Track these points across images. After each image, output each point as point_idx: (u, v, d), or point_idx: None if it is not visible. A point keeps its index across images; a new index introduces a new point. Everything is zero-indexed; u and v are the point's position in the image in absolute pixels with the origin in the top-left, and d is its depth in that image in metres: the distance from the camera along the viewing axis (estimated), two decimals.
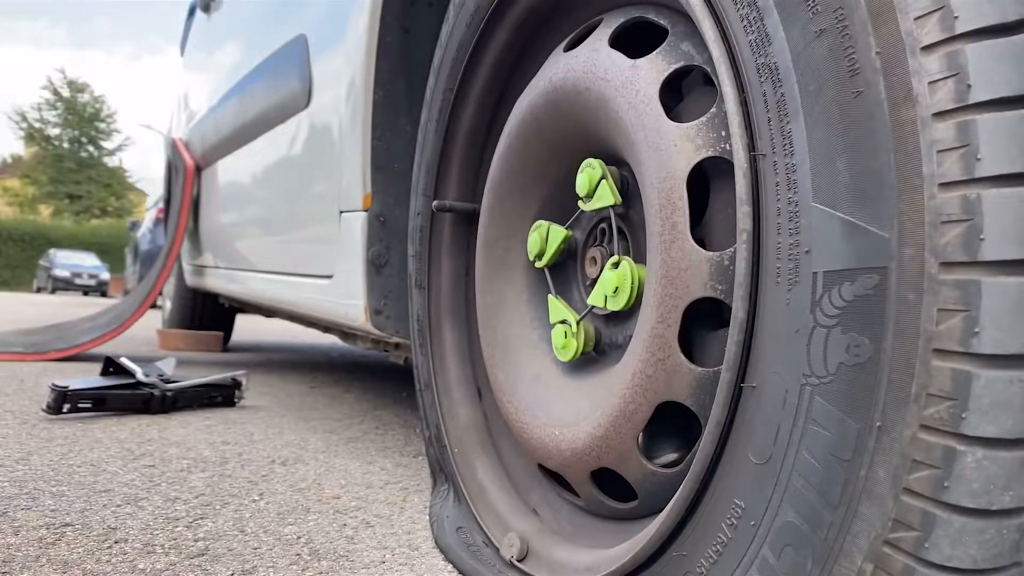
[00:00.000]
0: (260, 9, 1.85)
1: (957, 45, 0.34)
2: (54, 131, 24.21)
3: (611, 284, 0.60)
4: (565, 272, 0.76)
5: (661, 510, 0.51)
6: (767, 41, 0.43)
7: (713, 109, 0.53)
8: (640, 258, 0.63)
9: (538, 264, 0.74)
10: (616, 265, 0.61)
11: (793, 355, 0.41)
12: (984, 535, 0.34)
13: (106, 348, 2.57)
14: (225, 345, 3.33)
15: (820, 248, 0.39)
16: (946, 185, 0.34)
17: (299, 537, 0.79)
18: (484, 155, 0.86)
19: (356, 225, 1.13)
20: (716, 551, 0.45)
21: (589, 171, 0.65)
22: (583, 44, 0.66)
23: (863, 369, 0.37)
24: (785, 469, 0.41)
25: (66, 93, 24.26)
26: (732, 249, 0.50)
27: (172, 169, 2.86)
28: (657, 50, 0.57)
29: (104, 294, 18.48)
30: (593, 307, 0.65)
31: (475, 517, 0.76)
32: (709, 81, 0.55)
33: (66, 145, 24.38)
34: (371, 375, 2.57)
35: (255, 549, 0.75)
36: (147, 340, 3.46)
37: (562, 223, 0.73)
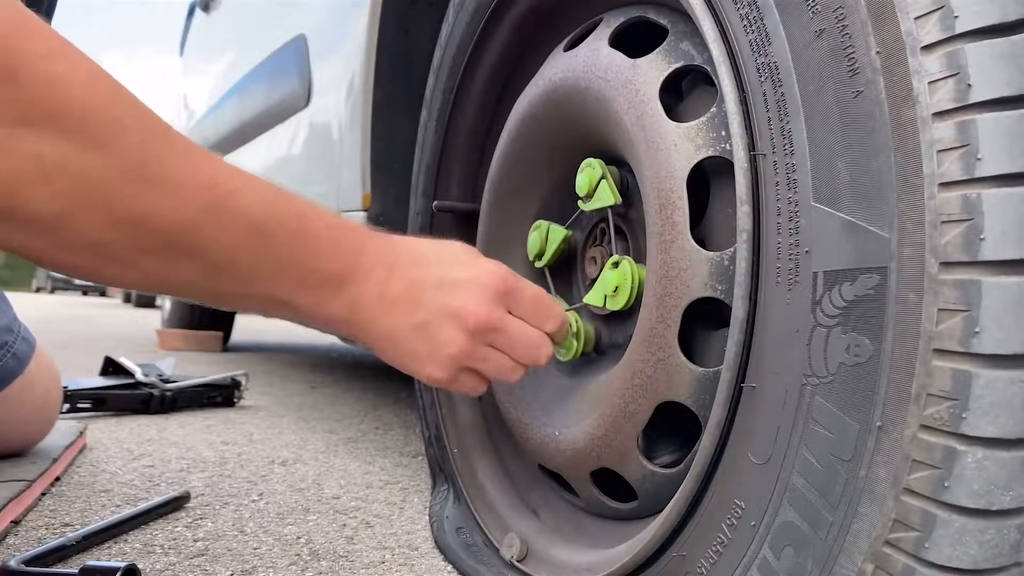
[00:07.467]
0: (260, 9, 1.85)
1: (957, 45, 0.34)
2: None
3: (611, 283, 0.60)
4: (565, 272, 0.76)
5: (661, 510, 0.51)
6: (767, 41, 0.43)
7: (713, 109, 0.53)
8: (640, 258, 0.63)
9: (538, 264, 0.74)
10: (616, 265, 0.61)
11: (793, 355, 0.41)
12: (984, 535, 0.34)
13: (105, 349, 2.57)
14: (225, 345, 3.32)
15: (820, 248, 0.39)
16: (946, 185, 0.34)
17: (299, 537, 0.79)
18: (484, 155, 0.86)
19: None
20: (716, 551, 0.45)
21: (589, 171, 0.65)
22: (583, 43, 0.66)
23: (863, 369, 0.37)
24: (785, 469, 0.41)
25: None
26: (732, 249, 0.50)
27: None
28: (657, 50, 0.57)
29: (103, 294, 18.47)
30: (586, 303, 0.65)
31: (475, 517, 0.76)
32: (709, 81, 0.55)
33: None
34: (371, 375, 2.57)
35: (255, 549, 0.75)
36: (147, 340, 3.47)
37: (562, 223, 0.73)
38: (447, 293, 0.51)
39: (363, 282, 0.50)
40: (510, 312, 0.54)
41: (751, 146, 0.44)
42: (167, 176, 0.41)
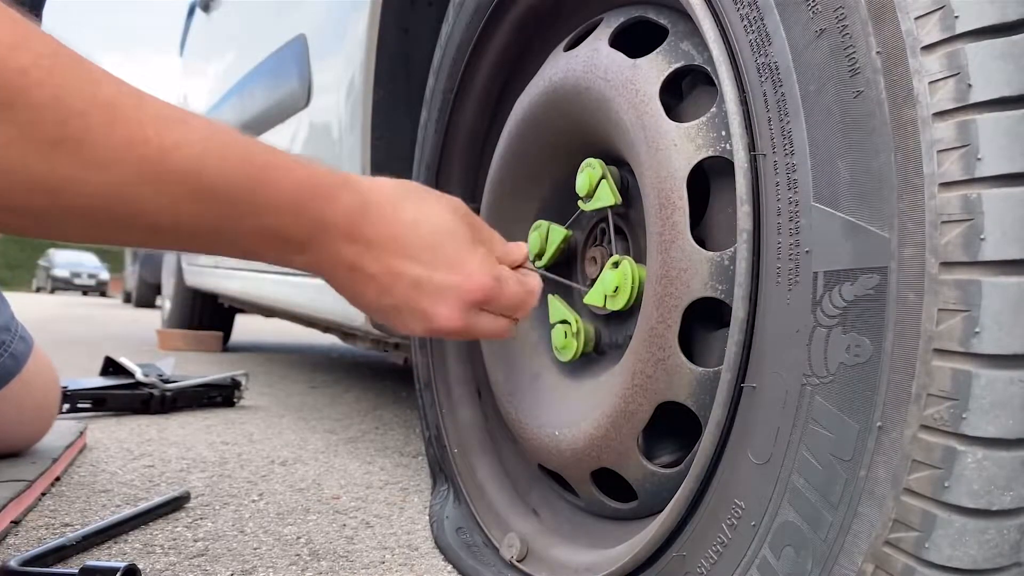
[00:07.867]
0: (260, 9, 1.85)
1: (957, 45, 0.34)
2: None
3: (611, 284, 0.60)
4: (565, 272, 0.76)
5: (661, 510, 0.51)
6: (767, 41, 0.43)
7: (713, 109, 0.53)
8: (640, 258, 0.63)
9: (538, 264, 0.74)
10: (616, 265, 0.61)
11: (793, 355, 0.40)
12: (984, 535, 0.34)
13: (105, 349, 2.57)
14: (225, 345, 3.32)
15: (820, 248, 0.39)
16: (946, 185, 0.34)
17: (299, 537, 0.79)
18: (484, 155, 0.86)
19: None
20: (716, 551, 0.45)
21: (589, 171, 0.65)
22: (583, 44, 0.66)
23: (863, 369, 0.37)
24: (785, 469, 0.41)
25: None
26: (732, 249, 0.50)
27: None
28: (657, 50, 0.57)
29: (104, 294, 18.48)
30: (586, 303, 0.65)
31: (475, 517, 0.76)
32: (709, 81, 0.55)
33: None
34: (371, 375, 2.57)
35: (255, 549, 0.75)
36: (147, 340, 3.47)
37: (562, 223, 0.73)
38: (424, 295, 0.50)
39: (330, 247, 0.47)
40: (483, 309, 0.52)
41: (751, 146, 0.44)
42: (87, 135, 0.36)
